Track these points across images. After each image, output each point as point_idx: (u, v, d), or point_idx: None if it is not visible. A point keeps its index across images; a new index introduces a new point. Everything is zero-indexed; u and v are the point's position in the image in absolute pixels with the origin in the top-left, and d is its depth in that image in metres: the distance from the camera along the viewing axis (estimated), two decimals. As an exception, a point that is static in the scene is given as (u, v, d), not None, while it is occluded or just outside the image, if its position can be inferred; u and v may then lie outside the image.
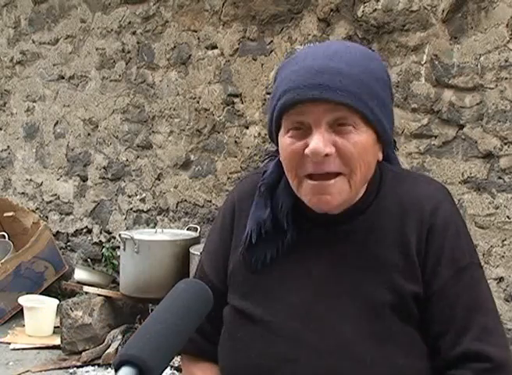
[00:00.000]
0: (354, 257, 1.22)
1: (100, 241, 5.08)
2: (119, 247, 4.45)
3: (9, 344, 4.30)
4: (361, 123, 1.17)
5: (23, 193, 5.57)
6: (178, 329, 0.91)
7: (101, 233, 5.08)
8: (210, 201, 4.43)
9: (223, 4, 4.27)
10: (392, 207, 1.24)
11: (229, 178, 4.32)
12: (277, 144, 1.27)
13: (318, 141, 1.15)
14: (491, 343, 1.16)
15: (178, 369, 3.69)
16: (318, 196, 1.18)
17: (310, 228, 1.26)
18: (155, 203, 4.73)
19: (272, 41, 4.06)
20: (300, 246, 1.26)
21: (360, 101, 1.16)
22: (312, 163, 1.17)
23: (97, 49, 4.97)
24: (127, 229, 4.71)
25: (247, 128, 4.22)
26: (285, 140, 1.21)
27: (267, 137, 4.12)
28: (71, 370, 3.85)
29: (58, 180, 5.33)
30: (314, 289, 1.21)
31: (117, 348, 3.87)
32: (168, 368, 3.67)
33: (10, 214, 5.18)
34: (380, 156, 1.25)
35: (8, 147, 5.68)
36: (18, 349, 4.22)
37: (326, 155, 1.15)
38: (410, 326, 1.18)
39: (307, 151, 1.16)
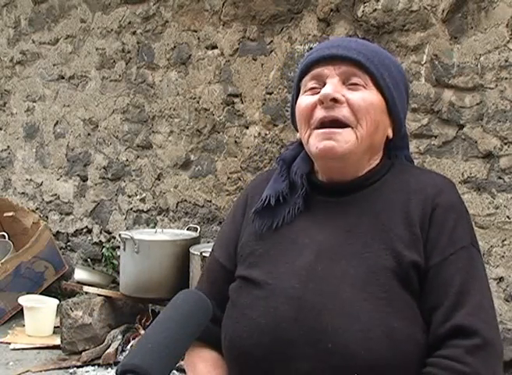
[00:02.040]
0: (359, 224, 1.28)
1: (100, 241, 5.08)
2: (119, 247, 4.45)
3: (9, 344, 4.30)
4: (372, 84, 1.29)
5: (23, 193, 5.58)
6: (179, 338, 0.93)
7: (101, 233, 5.09)
8: (210, 201, 4.43)
9: (223, 4, 4.27)
10: (400, 185, 1.31)
11: (229, 178, 4.32)
12: (297, 129, 1.36)
13: (329, 87, 1.27)
14: (482, 320, 1.19)
15: (178, 369, 3.69)
16: (324, 141, 1.26)
17: (319, 196, 1.33)
18: (155, 203, 4.74)
19: (272, 41, 4.06)
20: (309, 213, 1.32)
21: (372, 63, 1.29)
22: (323, 109, 1.27)
23: (97, 49, 4.98)
24: (127, 229, 4.71)
25: (247, 128, 4.22)
26: (301, 98, 1.33)
27: (267, 137, 4.12)
28: (71, 370, 3.85)
29: (58, 180, 5.34)
30: (317, 252, 1.26)
31: (117, 348, 3.87)
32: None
33: (10, 214, 5.18)
34: (390, 133, 1.34)
35: (8, 147, 5.68)
36: (18, 349, 4.22)
37: (336, 100, 1.26)
38: (408, 293, 1.22)
39: (318, 96, 1.27)
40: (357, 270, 1.22)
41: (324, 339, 1.17)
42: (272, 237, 1.32)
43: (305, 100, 1.31)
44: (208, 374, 1.35)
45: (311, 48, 3.92)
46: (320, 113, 1.27)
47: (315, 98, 1.28)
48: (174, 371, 3.69)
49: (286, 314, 1.22)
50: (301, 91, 1.34)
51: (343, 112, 1.26)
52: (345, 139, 1.26)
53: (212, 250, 1.44)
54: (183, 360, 1.39)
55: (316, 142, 1.27)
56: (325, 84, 1.29)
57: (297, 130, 1.37)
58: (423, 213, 1.26)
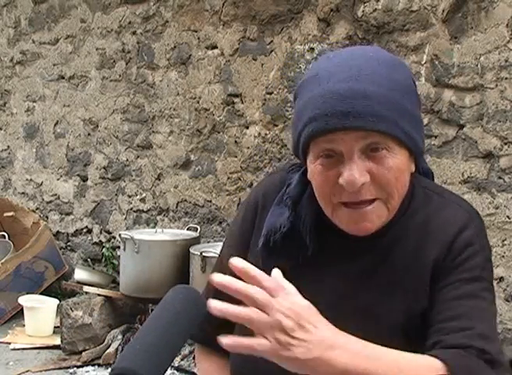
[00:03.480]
0: (369, 276, 1.20)
1: (100, 241, 5.08)
2: (119, 247, 4.45)
3: (9, 344, 4.31)
4: (395, 145, 1.13)
5: (23, 193, 5.58)
6: (169, 336, 0.92)
7: (101, 233, 5.08)
8: (210, 201, 4.43)
9: (223, 4, 4.27)
10: (418, 227, 1.21)
11: (229, 178, 4.32)
12: (303, 161, 1.22)
13: (353, 172, 1.10)
14: (491, 344, 1.11)
15: (178, 369, 3.69)
16: (356, 224, 1.15)
17: (331, 237, 1.23)
18: (155, 203, 4.74)
19: (272, 41, 4.06)
20: (319, 257, 1.23)
21: (391, 124, 1.11)
22: (347, 193, 1.13)
23: (97, 49, 4.98)
24: (127, 229, 4.71)
25: (247, 128, 4.22)
26: (315, 168, 1.16)
27: (267, 136, 4.12)
28: (71, 370, 3.85)
29: (58, 180, 5.34)
30: (328, 303, 1.16)
31: (117, 348, 3.87)
32: (168, 368, 3.67)
33: (10, 214, 5.18)
34: (413, 168, 1.21)
35: (9, 147, 5.68)
36: (18, 349, 4.22)
37: (362, 184, 1.11)
38: (419, 347, 1.14)
39: (341, 181, 1.11)
40: (368, 327, 1.13)
41: None
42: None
43: (321, 174, 1.14)
44: (213, 373, 1.35)
45: (311, 49, 3.92)
46: (344, 196, 1.13)
47: (333, 172, 1.13)
48: (174, 371, 3.69)
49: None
50: (312, 155, 1.16)
51: (370, 191, 1.13)
52: (376, 215, 1.15)
53: (221, 251, 1.39)
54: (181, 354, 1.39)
55: (346, 222, 1.16)
56: (341, 154, 1.12)
57: (303, 162, 1.24)
58: (438, 254, 1.17)
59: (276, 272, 0.97)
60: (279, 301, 0.93)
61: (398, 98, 1.13)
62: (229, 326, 1.30)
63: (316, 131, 1.12)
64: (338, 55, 1.20)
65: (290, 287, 0.96)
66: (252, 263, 1.28)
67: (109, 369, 3.90)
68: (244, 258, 1.30)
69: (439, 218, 1.20)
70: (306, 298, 1.18)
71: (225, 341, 0.92)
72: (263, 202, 1.32)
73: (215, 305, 0.93)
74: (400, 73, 1.16)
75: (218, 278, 0.95)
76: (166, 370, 0.91)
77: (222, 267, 1.35)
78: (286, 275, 1.23)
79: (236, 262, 0.96)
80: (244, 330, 1.25)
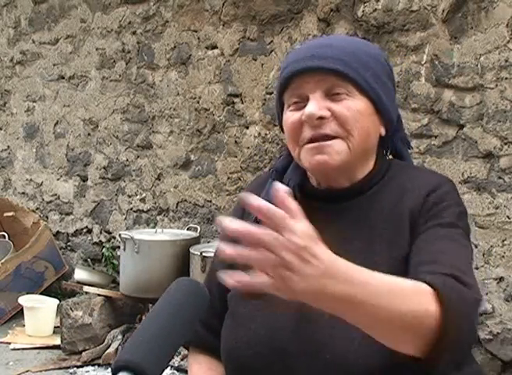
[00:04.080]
0: (355, 231, 1.26)
1: (100, 241, 5.08)
2: (119, 247, 4.45)
3: (9, 344, 4.31)
4: (355, 90, 1.25)
5: (23, 193, 5.58)
6: (172, 328, 0.91)
7: (101, 233, 5.09)
8: (210, 201, 4.43)
9: (223, 4, 4.27)
10: (394, 188, 1.29)
11: (229, 178, 4.32)
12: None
13: (313, 105, 1.23)
14: (466, 277, 1.13)
15: (178, 369, 3.69)
16: (316, 156, 1.24)
17: (315, 204, 1.30)
18: (155, 203, 4.74)
19: (272, 41, 4.06)
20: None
21: (350, 69, 1.24)
22: (310, 128, 1.24)
23: (97, 49, 4.98)
24: (127, 229, 4.71)
25: (247, 128, 4.22)
26: (286, 115, 1.29)
27: (267, 137, 4.12)
28: (71, 370, 3.85)
29: (58, 180, 5.34)
30: None
31: (117, 348, 3.87)
32: (169, 368, 3.67)
33: (10, 214, 5.18)
34: (382, 131, 1.30)
35: (9, 147, 5.68)
36: (18, 349, 4.22)
37: (321, 117, 1.22)
38: None
39: (303, 117, 1.24)
40: None
41: (322, 350, 1.16)
42: None
43: (290, 117, 1.27)
44: (203, 374, 1.36)
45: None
46: (308, 132, 1.24)
47: (299, 114, 1.25)
48: (174, 371, 3.69)
49: (284, 325, 1.21)
50: (285, 106, 1.30)
51: (330, 127, 1.23)
52: (336, 150, 1.23)
53: (214, 254, 1.44)
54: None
55: (308, 157, 1.25)
56: (307, 98, 1.25)
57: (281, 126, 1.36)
58: (414, 205, 1.24)
59: (283, 189, 0.96)
60: (284, 236, 0.93)
61: (362, 55, 1.27)
62: (219, 325, 1.31)
63: (286, 76, 1.27)
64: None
65: (296, 210, 0.95)
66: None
67: (109, 369, 3.91)
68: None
69: (415, 180, 1.29)
70: None
71: (228, 279, 0.91)
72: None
73: (225, 248, 0.91)
74: (371, 48, 1.33)
75: (226, 222, 0.93)
76: (169, 362, 0.90)
77: (215, 271, 1.38)
78: None
79: (249, 197, 0.95)
80: (230, 321, 1.27)
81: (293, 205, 0.95)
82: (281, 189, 0.95)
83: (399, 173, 1.33)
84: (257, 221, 1.29)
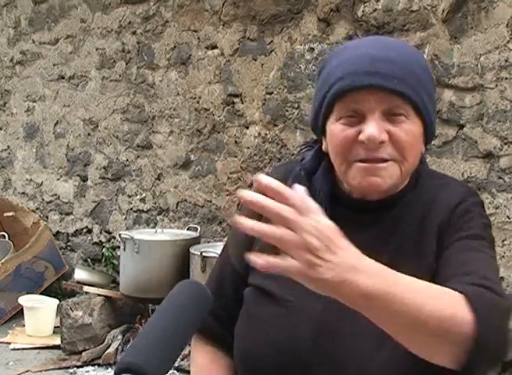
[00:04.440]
0: (381, 244, 1.23)
1: (100, 241, 5.08)
2: (119, 247, 4.45)
3: (9, 344, 4.31)
4: (413, 113, 1.20)
5: (23, 193, 5.58)
6: (175, 330, 0.91)
7: (101, 233, 5.09)
8: (210, 201, 4.43)
9: (223, 4, 4.27)
10: (424, 200, 1.27)
11: (229, 178, 4.32)
12: (320, 134, 1.28)
13: (374, 128, 1.17)
14: (495, 285, 1.11)
15: (178, 369, 3.69)
16: (368, 178, 1.19)
17: (343, 211, 1.26)
18: (155, 203, 4.74)
19: (272, 41, 4.06)
20: None
21: (413, 91, 1.19)
22: (365, 150, 1.18)
23: (97, 49, 4.98)
24: (127, 229, 4.71)
25: (247, 128, 4.22)
26: (336, 126, 1.22)
27: (267, 137, 4.12)
28: (71, 370, 3.85)
29: (58, 180, 5.34)
30: None
31: (117, 348, 3.88)
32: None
33: (10, 214, 5.18)
34: (423, 149, 1.28)
35: (9, 147, 5.68)
36: (18, 349, 4.22)
37: (381, 141, 1.17)
38: None
39: (362, 137, 1.17)
40: None
41: (343, 365, 1.14)
42: None
43: (342, 132, 1.20)
44: (207, 366, 1.35)
45: (311, 48, 3.93)
46: (362, 152, 1.18)
47: (354, 131, 1.19)
48: (174, 371, 3.69)
49: (304, 335, 1.19)
50: (334, 116, 1.22)
51: (387, 151, 1.18)
52: (390, 174, 1.19)
53: (225, 246, 1.41)
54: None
55: (358, 177, 1.20)
56: (363, 115, 1.18)
57: (317, 136, 1.31)
58: (442, 217, 1.22)
59: (301, 190, 0.93)
60: (306, 220, 0.91)
61: (420, 73, 1.22)
62: (228, 317, 1.30)
63: (343, 89, 1.19)
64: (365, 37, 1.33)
65: (317, 208, 0.93)
66: (261, 247, 1.30)
67: (109, 369, 3.91)
68: (248, 250, 1.32)
69: (443, 192, 1.27)
70: None
71: (258, 260, 0.89)
72: None
73: (245, 222, 0.90)
74: (422, 59, 1.29)
75: (247, 195, 0.92)
76: (172, 365, 0.90)
77: (226, 256, 1.37)
78: None
79: (262, 178, 0.93)
80: (248, 322, 1.25)
81: (314, 204, 0.93)
82: (299, 189, 0.93)
83: (428, 183, 1.30)
84: None
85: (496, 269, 1.20)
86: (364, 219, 1.25)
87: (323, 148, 1.28)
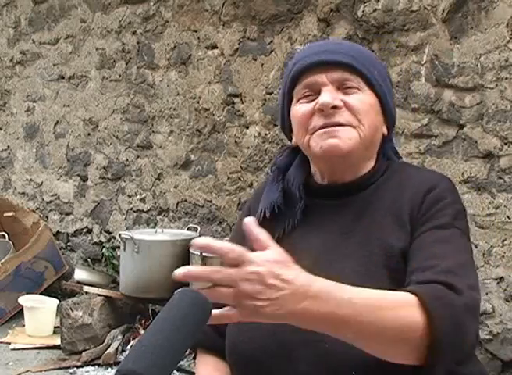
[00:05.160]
0: (355, 225, 1.29)
1: (100, 240, 5.08)
2: (119, 247, 4.45)
3: (9, 344, 4.31)
4: (365, 86, 1.30)
5: (23, 193, 5.58)
6: (174, 339, 0.92)
7: (101, 233, 5.09)
8: (210, 201, 4.43)
9: (223, 4, 4.27)
10: (394, 184, 1.32)
11: (229, 178, 4.32)
12: (289, 132, 1.37)
13: (327, 95, 1.27)
14: (455, 278, 1.13)
15: (178, 369, 3.69)
16: (328, 140, 1.27)
17: (318, 201, 1.34)
18: (155, 203, 4.74)
19: (272, 41, 4.06)
20: (309, 219, 1.33)
21: (361, 65, 1.30)
22: (322, 117, 1.27)
23: (97, 49, 4.98)
24: (127, 229, 4.71)
25: (247, 128, 4.22)
26: (296, 107, 1.32)
27: (267, 136, 4.12)
28: (71, 370, 3.85)
29: (58, 180, 5.34)
30: (314, 256, 1.26)
31: (117, 348, 3.88)
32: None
33: (10, 214, 5.18)
34: (385, 131, 1.34)
35: (9, 147, 5.68)
36: (18, 349, 4.22)
37: (335, 107, 1.26)
38: (403, 284, 1.20)
39: (317, 105, 1.27)
40: (352, 269, 1.23)
41: (321, 339, 1.18)
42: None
43: (301, 108, 1.30)
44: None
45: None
46: (319, 120, 1.27)
47: (311, 105, 1.29)
48: (174, 371, 3.69)
49: None
50: (294, 99, 1.34)
51: (343, 116, 1.27)
52: (348, 136, 1.27)
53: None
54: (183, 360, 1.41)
55: (319, 141, 1.28)
56: (319, 92, 1.29)
57: (288, 138, 1.39)
58: (413, 202, 1.26)
59: (248, 220, 1.00)
60: (242, 269, 0.95)
61: (371, 56, 1.36)
62: (219, 327, 1.32)
63: (297, 70, 1.31)
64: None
65: (263, 243, 0.98)
66: None
67: (109, 369, 3.90)
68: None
69: (415, 177, 1.32)
70: (295, 257, 1.23)
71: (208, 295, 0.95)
72: (254, 205, 1.42)
73: (180, 272, 0.97)
74: (374, 57, 1.39)
75: (179, 272, 0.98)
76: (171, 373, 0.91)
77: None
78: (279, 241, 1.28)
79: (198, 240, 1.00)
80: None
81: (262, 234, 0.98)
82: (248, 221, 0.99)
83: (398, 171, 1.36)
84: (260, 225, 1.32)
85: (467, 258, 1.22)
86: (338, 204, 1.32)
87: (293, 142, 1.37)
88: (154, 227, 4.53)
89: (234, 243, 1.37)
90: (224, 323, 1.32)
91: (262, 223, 1.31)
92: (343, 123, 1.27)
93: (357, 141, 1.27)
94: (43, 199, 5.44)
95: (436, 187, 1.28)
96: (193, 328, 0.95)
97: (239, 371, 1.30)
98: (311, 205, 1.34)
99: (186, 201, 4.57)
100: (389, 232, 1.25)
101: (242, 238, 1.38)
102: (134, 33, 4.74)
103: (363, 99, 1.29)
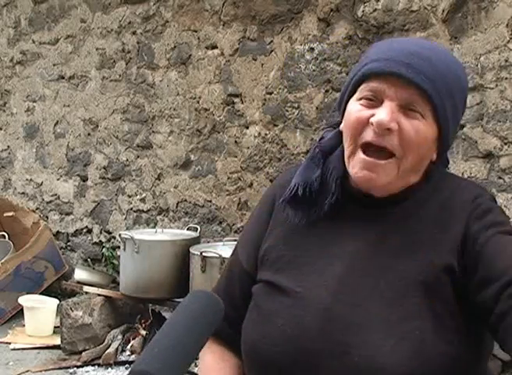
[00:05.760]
0: (391, 237, 1.24)
1: (100, 240, 5.08)
2: (119, 247, 4.45)
3: (9, 344, 4.30)
4: (430, 115, 1.21)
5: (23, 193, 5.58)
6: (187, 340, 0.91)
7: (101, 233, 5.08)
8: (210, 201, 4.43)
9: (223, 4, 4.27)
10: (434, 198, 1.27)
11: (229, 178, 4.32)
12: (342, 115, 1.29)
13: (386, 113, 1.18)
14: None
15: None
16: (365, 171, 1.21)
17: (351, 204, 1.28)
18: (155, 203, 4.74)
19: (272, 41, 4.06)
20: (338, 221, 1.28)
21: (437, 94, 1.20)
22: (373, 133, 1.20)
23: (97, 49, 4.98)
24: (127, 229, 4.71)
25: (247, 128, 4.22)
26: (354, 105, 1.24)
27: (267, 136, 4.12)
28: (71, 370, 3.85)
29: (58, 180, 5.34)
30: (347, 264, 1.23)
31: (117, 348, 3.87)
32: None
33: (10, 214, 5.18)
34: (434, 157, 1.27)
35: (9, 147, 5.68)
36: (18, 349, 4.22)
37: (389, 129, 1.18)
38: (440, 303, 1.17)
39: (372, 119, 1.19)
40: (387, 284, 1.19)
41: (350, 352, 1.15)
42: (301, 242, 1.29)
43: (358, 112, 1.22)
44: (215, 364, 1.35)
45: (311, 48, 3.93)
46: (369, 135, 1.20)
47: (368, 113, 1.21)
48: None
49: (312, 324, 1.19)
50: (356, 95, 1.25)
51: (392, 141, 1.19)
52: (386, 172, 1.21)
53: (236, 246, 1.42)
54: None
55: (357, 168, 1.22)
56: (382, 101, 1.20)
57: (342, 118, 1.31)
58: (458, 218, 1.22)
59: None
60: None
61: (453, 83, 1.24)
62: (236, 317, 1.30)
63: (372, 70, 1.22)
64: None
65: None
66: (270, 244, 1.31)
67: (109, 369, 3.90)
68: (257, 251, 1.33)
69: (459, 191, 1.28)
70: (326, 260, 1.23)
71: None
72: (280, 192, 1.35)
73: None
74: (461, 73, 1.31)
75: None
76: (184, 373, 0.90)
77: (236, 257, 1.39)
78: (305, 239, 1.28)
79: None
80: (256, 315, 1.26)
81: None
82: None
83: (441, 183, 1.30)
84: (288, 201, 1.29)
85: None
86: (374, 213, 1.26)
87: (341, 127, 1.29)
88: (154, 227, 4.53)
89: (255, 231, 1.36)
90: (235, 314, 1.31)
91: (291, 199, 1.28)
92: (389, 149, 1.19)
93: (395, 176, 1.22)
94: (43, 199, 5.44)
95: (481, 197, 1.28)
96: (205, 329, 0.95)
97: (256, 372, 1.27)
98: (342, 206, 1.29)
99: (186, 201, 4.57)
100: (429, 247, 1.21)
101: (267, 219, 1.35)
102: (134, 33, 4.74)
103: (420, 129, 1.19)
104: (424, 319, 1.16)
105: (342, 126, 1.28)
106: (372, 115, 1.20)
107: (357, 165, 1.22)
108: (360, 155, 1.21)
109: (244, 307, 1.31)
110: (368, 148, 1.21)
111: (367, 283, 1.20)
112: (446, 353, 1.15)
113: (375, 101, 1.21)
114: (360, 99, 1.23)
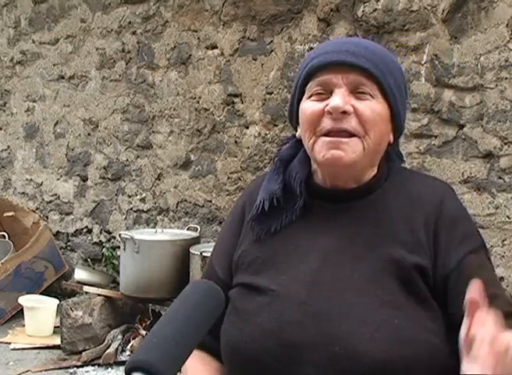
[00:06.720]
0: (362, 230, 1.27)
1: (100, 240, 5.08)
2: (119, 247, 4.45)
3: (9, 344, 4.30)
4: (379, 93, 1.27)
5: (23, 193, 5.58)
6: (186, 330, 0.90)
7: (101, 233, 5.08)
8: (210, 201, 4.43)
9: (223, 4, 4.27)
10: (400, 192, 1.31)
11: (229, 178, 4.32)
12: (296, 124, 1.34)
13: (339, 98, 1.24)
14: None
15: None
16: (332, 150, 1.24)
17: (319, 202, 1.32)
18: (155, 203, 4.74)
19: (272, 41, 4.06)
20: (309, 219, 1.31)
21: (379, 72, 1.27)
22: (331, 120, 1.24)
23: (97, 49, 4.98)
24: (127, 229, 4.71)
25: (247, 128, 4.22)
26: (306, 103, 1.29)
27: (267, 136, 4.12)
28: (71, 370, 3.85)
29: (58, 180, 5.34)
30: (320, 259, 1.26)
31: (117, 348, 3.87)
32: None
33: (10, 214, 5.18)
34: (391, 138, 1.32)
35: (9, 147, 5.68)
36: (18, 349, 4.22)
37: (345, 112, 1.23)
38: (413, 296, 1.20)
39: (327, 107, 1.24)
40: (361, 275, 1.22)
41: (331, 343, 1.17)
42: (274, 243, 1.31)
43: (311, 106, 1.27)
44: (197, 367, 1.35)
45: (311, 48, 3.92)
46: (327, 123, 1.25)
47: (322, 105, 1.25)
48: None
49: (291, 319, 1.21)
50: (306, 95, 1.30)
51: (351, 123, 1.24)
52: (352, 149, 1.24)
53: (211, 257, 1.45)
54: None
55: (323, 150, 1.25)
56: (331, 92, 1.26)
57: (295, 129, 1.36)
58: (426, 220, 1.25)
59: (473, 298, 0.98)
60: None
61: (390, 63, 1.31)
62: (218, 329, 1.30)
63: (316, 64, 1.28)
64: None
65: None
66: (244, 249, 1.34)
67: (109, 369, 3.90)
68: (231, 261, 1.35)
69: (418, 188, 1.31)
70: (300, 257, 1.26)
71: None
72: (249, 200, 1.39)
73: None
74: (395, 59, 1.37)
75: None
76: (183, 364, 0.89)
77: (212, 269, 1.41)
78: (277, 239, 1.31)
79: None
80: (234, 317, 1.27)
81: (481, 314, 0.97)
82: (473, 298, 0.97)
83: (399, 178, 1.35)
84: (256, 217, 1.31)
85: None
86: (342, 208, 1.30)
87: (297, 135, 1.34)
88: (154, 227, 4.53)
89: (229, 239, 1.38)
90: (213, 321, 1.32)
91: (260, 215, 1.32)
92: (349, 130, 1.24)
93: (361, 153, 1.25)
94: (43, 199, 5.44)
95: (445, 199, 1.29)
96: (205, 319, 0.94)
97: (239, 372, 1.27)
98: (311, 205, 1.32)
99: (186, 201, 4.57)
100: (400, 243, 1.24)
101: (239, 229, 1.38)
102: (134, 33, 4.74)
103: (374, 108, 1.25)
104: (402, 308, 1.19)
105: (298, 131, 1.33)
106: (326, 106, 1.25)
107: (322, 148, 1.26)
108: (324, 138, 1.26)
109: (222, 315, 1.30)
110: (328, 134, 1.25)
111: (342, 275, 1.23)
112: (426, 340, 1.17)
113: (325, 94, 1.27)
114: (311, 96, 1.29)
